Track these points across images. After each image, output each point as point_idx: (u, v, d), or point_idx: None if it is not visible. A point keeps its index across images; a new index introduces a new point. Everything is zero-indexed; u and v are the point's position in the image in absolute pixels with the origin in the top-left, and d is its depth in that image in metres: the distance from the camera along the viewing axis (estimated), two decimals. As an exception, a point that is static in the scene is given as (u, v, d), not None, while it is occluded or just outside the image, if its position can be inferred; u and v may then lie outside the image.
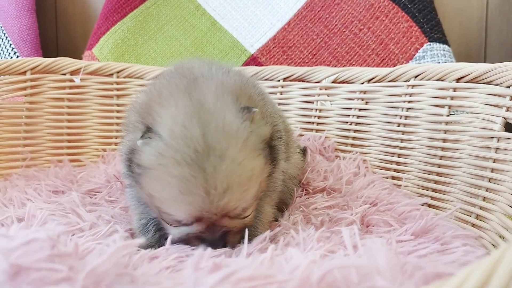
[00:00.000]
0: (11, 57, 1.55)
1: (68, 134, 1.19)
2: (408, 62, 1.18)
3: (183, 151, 0.54)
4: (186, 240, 0.62)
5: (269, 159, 0.64)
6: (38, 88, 1.14)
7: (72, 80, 1.19)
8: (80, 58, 1.87)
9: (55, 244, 0.40)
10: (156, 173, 0.56)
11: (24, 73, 1.12)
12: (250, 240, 0.71)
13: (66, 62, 1.17)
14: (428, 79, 0.96)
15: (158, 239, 0.70)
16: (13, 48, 1.55)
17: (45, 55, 1.68)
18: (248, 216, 0.63)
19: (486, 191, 0.80)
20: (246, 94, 0.64)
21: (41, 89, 1.15)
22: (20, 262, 0.36)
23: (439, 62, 1.14)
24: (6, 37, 1.57)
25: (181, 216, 0.58)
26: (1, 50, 1.57)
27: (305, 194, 0.94)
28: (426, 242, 0.66)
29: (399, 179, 1.00)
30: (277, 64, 1.32)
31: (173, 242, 0.61)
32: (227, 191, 0.55)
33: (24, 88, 1.12)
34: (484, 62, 1.45)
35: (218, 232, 0.60)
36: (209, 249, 0.57)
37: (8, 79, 1.10)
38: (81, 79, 1.20)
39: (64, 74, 1.18)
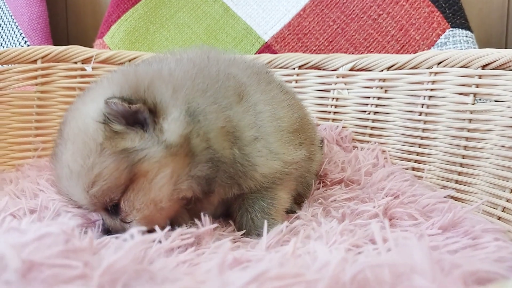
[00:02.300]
0: (22, 46, 1.53)
1: (80, 124, 1.17)
2: (430, 48, 1.13)
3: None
4: None
5: (177, 159, 0.59)
6: (49, 77, 1.12)
7: (83, 69, 1.16)
8: (91, 47, 1.86)
9: (69, 239, 0.38)
10: None
11: (35, 61, 1.10)
12: (262, 226, 0.68)
13: (77, 51, 1.15)
14: (452, 66, 0.92)
15: None
16: (23, 37, 1.53)
17: (55, 44, 1.66)
18: (128, 222, 0.62)
19: (515, 182, 0.76)
20: (144, 85, 0.60)
21: (52, 78, 1.13)
22: (33, 258, 0.34)
23: (461, 49, 1.09)
24: (17, 26, 1.55)
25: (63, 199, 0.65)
26: (12, 39, 1.55)
27: (322, 186, 0.91)
28: (455, 236, 0.63)
29: (420, 170, 0.96)
30: (291, 52, 1.28)
31: None
32: (62, 185, 0.60)
33: (35, 77, 1.10)
34: (505, 49, 1.40)
35: (103, 227, 0.64)
36: (228, 243, 0.55)
37: (19, 67, 1.08)
38: (93, 68, 1.17)
39: (75, 63, 1.16)
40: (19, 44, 1.54)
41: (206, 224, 0.65)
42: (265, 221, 0.68)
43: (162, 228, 0.61)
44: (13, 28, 1.56)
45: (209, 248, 0.59)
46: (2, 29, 1.58)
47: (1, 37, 1.59)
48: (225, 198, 0.70)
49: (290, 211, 0.76)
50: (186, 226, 0.64)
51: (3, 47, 1.60)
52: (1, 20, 1.57)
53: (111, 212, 0.61)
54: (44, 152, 1.12)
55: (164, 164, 0.58)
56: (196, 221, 0.66)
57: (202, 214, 0.65)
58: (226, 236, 0.66)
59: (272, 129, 0.67)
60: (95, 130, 0.57)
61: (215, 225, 0.65)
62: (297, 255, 0.50)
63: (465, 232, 0.63)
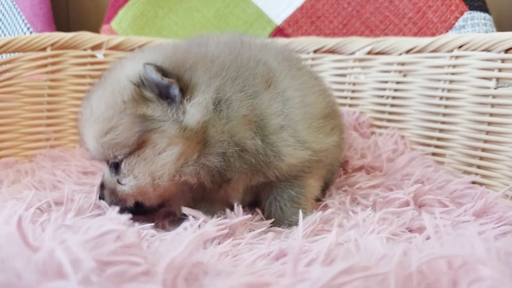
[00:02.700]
0: (25, 33, 1.50)
1: (91, 112, 1.15)
2: (448, 31, 1.12)
3: None
4: None
5: (188, 142, 0.60)
6: (59, 64, 1.09)
7: (93, 56, 1.14)
8: (93, 31, 1.82)
9: (124, 235, 0.37)
10: None
11: (44, 49, 1.07)
12: (291, 215, 0.68)
13: (86, 37, 1.12)
14: (473, 50, 0.91)
15: None
16: (26, 24, 1.49)
17: (57, 29, 1.62)
18: (121, 183, 0.63)
19: (542, 167, 0.76)
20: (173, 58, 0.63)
21: (63, 66, 1.10)
22: (96, 256, 0.33)
23: (480, 32, 1.08)
24: (18, 12, 1.50)
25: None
26: (14, 25, 1.51)
27: (344, 174, 0.91)
28: (489, 222, 0.62)
29: (441, 155, 0.96)
30: (305, 35, 1.25)
31: None
32: (81, 127, 0.64)
33: (45, 65, 1.07)
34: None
35: (101, 180, 0.68)
36: (271, 234, 0.54)
37: (28, 56, 1.05)
38: (104, 55, 1.15)
39: (85, 50, 1.13)
40: (22, 30, 1.50)
41: (239, 214, 0.64)
42: (299, 211, 0.68)
43: (150, 206, 0.66)
44: (14, 14, 1.52)
45: (244, 238, 0.59)
46: (3, 15, 1.54)
47: (3, 23, 1.54)
48: (253, 186, 0.69)
49: (316, 199, 0.76)
50: (217, 216, 0.64)
51: (5, 34, 1.56)
52: (2, 5, 1.53)
53: (111, 169, 0.64)
54: (57, 142, 1.11)
55: (173, 143, 0.59)
56: (228, 211, 0.66)
57: (235, 204, 0.64)
58: (257, 226, 0.66)
59: (300, 117, 0.66)
60: (124, 87, 0.60)
61: (249, 216, 0.64)
62: (339, 245, 0.50)
63: (499, 218, 0.63)
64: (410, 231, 0.59)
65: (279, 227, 0.67)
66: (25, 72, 1.04)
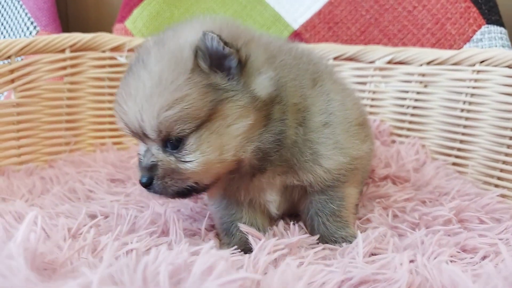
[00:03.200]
0: (28, 27, 1.44)
1: (110, 116, 1.13)
2: (465, 44, 1.15)
3: (132, 58, 0.61)
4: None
5: (256, 113, 0.59)
6: (78, 67, 1.07)
7: (112, 58, 1.11)
8: (92, 27, 1.77)
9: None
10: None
11: (63, 51, 1.04)
12: (336, 231, 0.69)
13: (105, 38, 1.10)
14: (496, 66, 0.95)
15: (245, 241, 0.67)
16: (29, 18, 1.43)
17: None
18: (186, 161, 0.57)
19: None
20: (245, 39, 0.60)
21: (82, 68, 1.07)
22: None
23: (496, 46, 1.12)
24: (21, 5, 1.44)
25: (119, 123, 0.61)
26: (17, 20, 1.45)
27: (371, 183, 0.93)
28: (531, 241, 0.66)
29: (462, 165, 1.00)
30: (322, 41, 1.26)
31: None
32: (134, 99, 0.56)
33: (65, 68, 1.05)
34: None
35: (148, 161, 0.59)
36: (346, 260, 0.56)
37: (47, 58, 1.02)
38: (120, 56, 1.13)
39: (104, 52, 1.10)
40: (25, 25, 1.44)
41: (295, 233, 0.65)
42: (343, 226, 0.70)
43: (203, 187, 0.61)
44: (17, 8, 1.46)
45: (304, 258, 0.60)
46: (5, 10, 1.48)
47: (5, 18, 1.48)
48: (289, 193, 0.70)
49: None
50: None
51: (7, 29, 1.50)
52: (5, 0, 1.47)
53: (166, 147, 0.58)
54: (76, 146, 1.09)
55: (246, 114, 0.57)
56: (280, 229, 0.67)
57: (292, 223, 0.66)
58: (307, 243, 0.67)
59: (340, 119, 0.67)
60: (189, 56, 0.56)
61: (306, 235, 0.65)
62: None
63: (540, 236, 0.66)
64: (464, 251, 0.62)
65: (326, 243, 0.69)
66: (45, 75, 1.01)
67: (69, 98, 1.06)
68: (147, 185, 0.59)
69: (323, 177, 0.66)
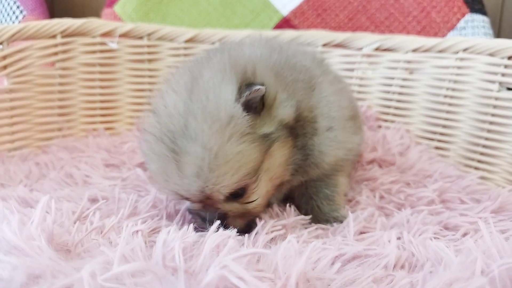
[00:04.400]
0: (14, 12, 1.42)
1: (101, 101, 1.14)
2: (449, 32, 1.19)
3: (161, 128, 0.56)
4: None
5: (289, 140, 0.63)
6: (69, 52, 1.07)
7: (103, 44, 1.12)
8: (79, 13, 1.75)
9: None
10: (146, 147, 0.58)
11: (54, 36, 1.04)
12: (329, 212, 0.74)
13: (96, 24, 1.10)
14: (478, 54, 0.99)
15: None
16: (15, 2, 1.41)
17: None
18: (251, 202, 0.61)
19: (540, 165, 0.86)
20: (259, 69, 0.60)
21: (73, 54, 1.08)
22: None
23: (479, 34, 1.16)
24: (6, -11, 1.42)
25: (165, 191, 0.59)
26: (2, 4, 1.42)
27: (359, 166, 0.97)
28: (506, 219, 0.71)
29: (443, 149, 1.04)
30: (311, 28, 1.29)
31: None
32: (196, 175, 0.54)
33: (56, 53, 1.05)
34: (499, 28, 1.48)
35: (215, 213, 0.59)
36: (339, 238, 0.60)
37: (38, 44, 1.02)
38: (111, 42, 1.13)
39: (94, 37, 1.11)
40: (11, 9, 1.42)
41: (291, 214, 0.69)
42: (337, 208, 0.74)
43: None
44: (2, -9, 1.43)
45: (299, 236, 0.63)
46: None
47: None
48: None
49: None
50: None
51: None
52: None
53: (230, 198, 0.59)
54: (69, 132, 1.10)
55: (284, 144, 0.62)
56: (276, 210, 0.71)
57: (288, 205, 0.70)
58: (299, 223, 0.71)
59: (339, 119, 0.72)
60: (238, 116, 0.55)
61: (301, 216, 0.69)
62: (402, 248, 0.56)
63: (515, 215, 0.71)
64: (446, 229, 0.66)
65: (318, 223, 0.73)
66: (37, 61, 1.01)
67: (60, 84, 1.07)
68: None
69: (325, 169, 0.72)
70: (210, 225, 0.53)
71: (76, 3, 1.73)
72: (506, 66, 0.94)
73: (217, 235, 0.43)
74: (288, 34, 1.19)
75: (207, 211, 0.60)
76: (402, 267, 0.52)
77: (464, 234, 0.64)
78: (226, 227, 0.54)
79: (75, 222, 0.62)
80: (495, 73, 0.96)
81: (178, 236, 0.43)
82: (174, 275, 0.37)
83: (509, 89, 0.93)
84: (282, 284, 0.38)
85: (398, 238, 0.60)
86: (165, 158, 0.55)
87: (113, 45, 1.10)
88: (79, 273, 0.34)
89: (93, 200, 0.74)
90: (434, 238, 0.62)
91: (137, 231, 0.56)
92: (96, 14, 1.50)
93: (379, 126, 1.13)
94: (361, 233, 0.66)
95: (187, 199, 0.59)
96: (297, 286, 0.39)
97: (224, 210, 0.60)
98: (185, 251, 0.42)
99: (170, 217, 0.68)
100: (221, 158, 0.53)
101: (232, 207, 0.60)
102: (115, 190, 0.75)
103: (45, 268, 0.35)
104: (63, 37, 1.06)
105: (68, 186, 0.84)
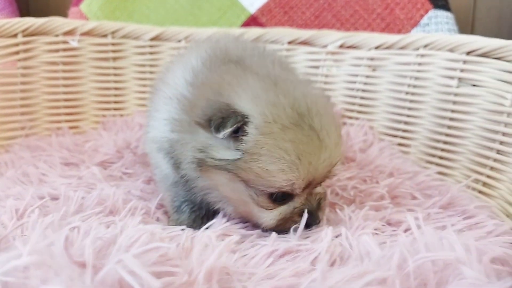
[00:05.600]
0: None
1: (65, 100, 1.13)
2: (413, 28, 1.19)
3: (288, 115, 0.56)
4: (279, 226, 0.61)
5: None
6: (31, 51, 1.06)
7: (65, 42, 1.11)
8: (54, 12, 1.74)
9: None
10: (266, 149, 0.56)
11: (15, 35, 1.04)
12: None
13: (58, 23, 1.09)
14: (438, 50, 0.99)
15: (194, 219, 0.71)
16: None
17: (18, 7, 1.53)
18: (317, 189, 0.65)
19: (494, 161, 0.86)
20: None
21: (35, 53, 1.07)
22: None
23: (442, 30, 1.16)
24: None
25: (298, 181, 0.58)
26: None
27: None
28: (455, 215, 0.71)
29: (406, 145, 1.05)
30: (278, 25, 1.29)
31: (266, 230, 0.62)
32: (337, 145, 0.60)
33: (17, 52, 1.04)
34: (472, 26, 1.49)
35: (316, 201, 0.63)
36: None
37: (0, 43, 1.01)
38: (72, 40, 1.12)
39: (57, 36, 1.10)
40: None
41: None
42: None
43: None
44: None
45: (247, 236, 0.64)
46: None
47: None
48: None
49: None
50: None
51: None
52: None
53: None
54: (32, 131, 1.09)
55: None
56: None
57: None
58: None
59: None
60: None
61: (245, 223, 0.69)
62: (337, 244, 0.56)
63: (463, 211, 0.72)
64: (389, 224, 0.67)
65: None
66: (-4, 60, 1.01)
67: (23, 83, 1.06)
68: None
69: None
70: (312, 218, 0.61)
71: (50, 3, 1.73)
72: (465, 62, 0.95)
73: (135, 230, 0.43)
74: (253, 32, 1.19)
75: (309, 201, 0.62)
76: (334, 262, 0.52)
77: (406, 230, 0.64)
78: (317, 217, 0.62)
79: (18, 219, 0.62)
80: (454, 69, 0.96)
81: (98, 233, 0.43)
82: (82, 269, 0.37)
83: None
84: (190, 279, 0.38)
85: (339, 236, 0.60)
86: (306, 140, 0.57)
87: (74, 43, 1.10)
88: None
89: (41, 198, 0.73)
90: (376, 234, 0.62)
91: (73, 228, 0.56)
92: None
93: (344, 123, 1.13)
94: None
95: (307, 186, 0.60)
96: (208, 280, 0.39)
97: (321, 193, 0.64)
98: (103, 247, 0.42)
99: (116, 213, 0.68)
100: (339, 127, 0.62)
101: (322, 190, 0.65)
102: (64, 189, 0.75)
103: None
104: (24, 36, 1.05)
105: (22, 184, 0.83)
